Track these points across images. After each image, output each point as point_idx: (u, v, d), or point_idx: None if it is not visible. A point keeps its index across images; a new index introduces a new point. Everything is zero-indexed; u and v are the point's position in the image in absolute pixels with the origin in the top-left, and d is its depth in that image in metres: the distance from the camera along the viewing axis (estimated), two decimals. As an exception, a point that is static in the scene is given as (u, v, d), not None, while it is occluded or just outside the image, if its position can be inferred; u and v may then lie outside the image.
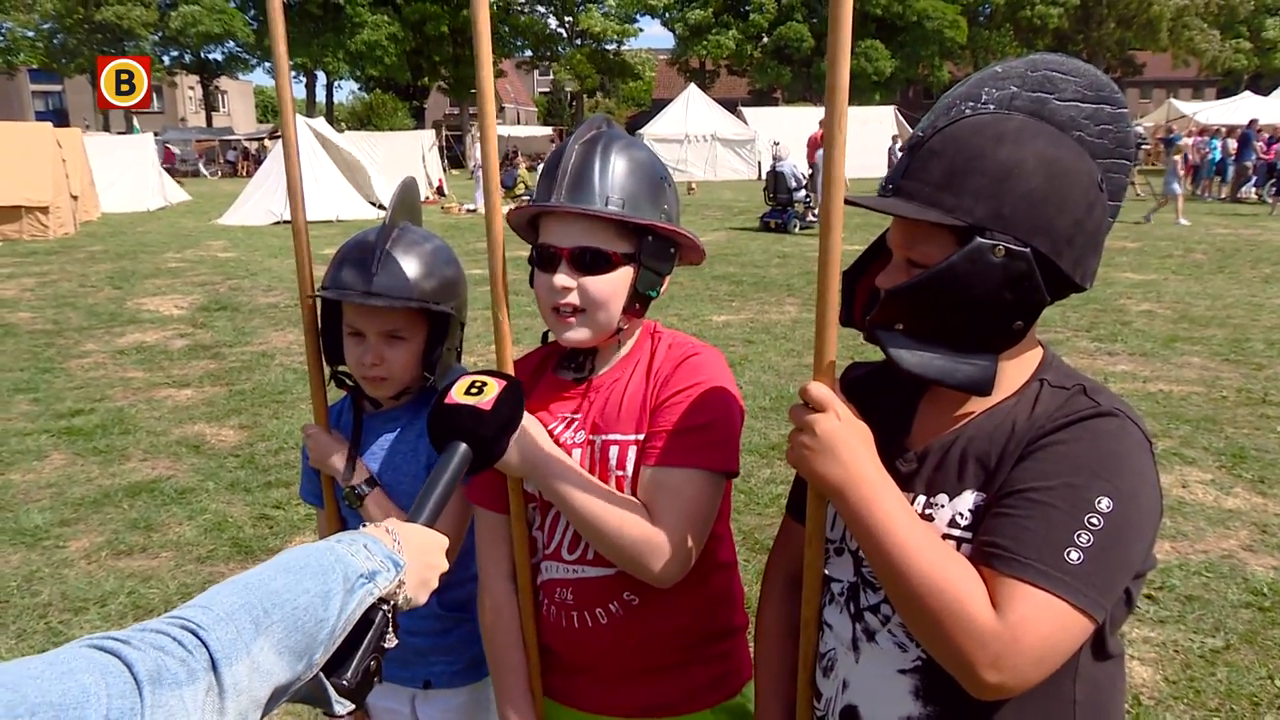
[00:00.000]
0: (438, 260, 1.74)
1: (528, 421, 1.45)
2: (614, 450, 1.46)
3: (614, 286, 1.43)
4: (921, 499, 1.19)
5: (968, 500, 1.15)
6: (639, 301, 1.47)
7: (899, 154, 1.24)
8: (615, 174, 1.41)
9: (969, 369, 1.14)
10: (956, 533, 1.14)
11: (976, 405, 1.20)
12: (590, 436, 1.48)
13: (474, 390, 1.26)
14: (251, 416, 6.27)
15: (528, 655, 1.58)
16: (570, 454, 1.46)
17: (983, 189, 1.09)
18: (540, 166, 1.55)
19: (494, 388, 1.26)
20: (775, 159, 17.30)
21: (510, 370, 1.46)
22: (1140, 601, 3.59)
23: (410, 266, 1.69)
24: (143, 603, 3.78)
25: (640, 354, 1.52)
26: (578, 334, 1.45)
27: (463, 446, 1.21)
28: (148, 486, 5.03)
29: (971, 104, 1.14)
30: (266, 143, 36.84)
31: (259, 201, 19.42)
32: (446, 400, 1.25)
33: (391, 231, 1.71)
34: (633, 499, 1.42)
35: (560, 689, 1.60)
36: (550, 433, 1.48)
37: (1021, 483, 1.09)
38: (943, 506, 1.17)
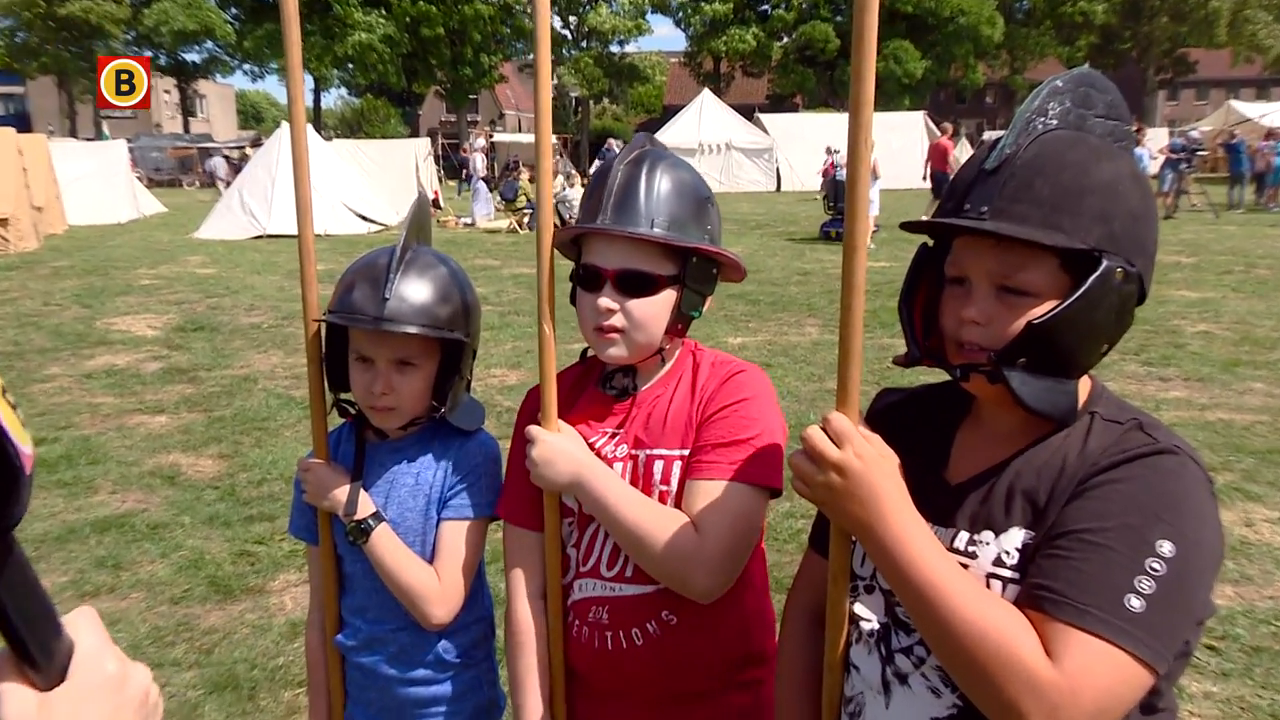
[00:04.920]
0: (453, 285, 1.76)
1: (570, 435, 1.55)
2: (659, 465, 1.55)
3: (657, 308, 1.52)
4: (964, 535, 1.19)
5: (1015, 538, 1.15)
6: (681, 322, 1.56)
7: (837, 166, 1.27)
8: (660, 195, 1.50)
9: (1067, 399, 1.16)
10: (1004, 573, 1.14)
11: (1023, 438, 1.20)
12: (633, 451, 1.57)
13: None
14: (232, 445, 6.29)
15: (552, 678, 1.62)
16: (611, 468, 1.55)
17: (1095, 209, 1.11)
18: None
19: None
20: (836, 167, 18.25)
21: (553, 383, 1.55)
22: (1201, 652, 3.56)
23: (424, 291, 1.70)
24: (111, 648, 3.79)
25: (682, 370, 1.62)
26: (619, 350, 1.54)
27: None
28: (117, 521, 5.04)
29: (1042, 119, 1.17)
30: (248, 151, 37.08)
31: (238, 212, 19.54)
32: None
33: (405, 253, 1.72)
34: (677, 511, 1.50)
35: (585, 716, 1.64)
36: (591, 446, 1.57)
37: (1076, 523, 1.09)
38: (988, 544, 1.17)
